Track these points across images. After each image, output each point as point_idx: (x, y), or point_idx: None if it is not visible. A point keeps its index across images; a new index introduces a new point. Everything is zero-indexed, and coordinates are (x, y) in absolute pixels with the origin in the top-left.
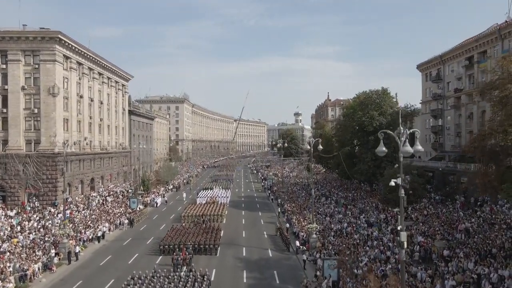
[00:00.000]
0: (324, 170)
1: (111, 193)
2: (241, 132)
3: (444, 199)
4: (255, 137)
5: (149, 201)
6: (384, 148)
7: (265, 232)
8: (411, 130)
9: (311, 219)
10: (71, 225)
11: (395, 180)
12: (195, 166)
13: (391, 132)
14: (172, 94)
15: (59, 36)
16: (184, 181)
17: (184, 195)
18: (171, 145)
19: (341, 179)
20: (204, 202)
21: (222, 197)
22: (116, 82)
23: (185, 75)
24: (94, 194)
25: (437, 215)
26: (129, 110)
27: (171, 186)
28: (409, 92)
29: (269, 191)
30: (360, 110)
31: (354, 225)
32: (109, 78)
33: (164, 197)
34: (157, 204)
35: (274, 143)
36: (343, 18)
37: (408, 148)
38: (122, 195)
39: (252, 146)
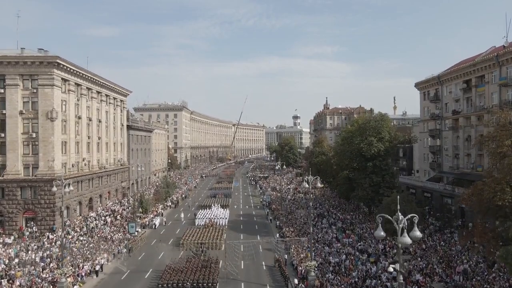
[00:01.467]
0: (323, 185)
1: (109, 212)
2: (239, 136)
3: (443, 227)
4: (253, 141)
5: (147, 222)
6: (382, 233)
7: (263, 263)
8: (409, 216)
9: (309, 257)
10: (69, 257)
11: (393, 265)
12: (194, 177)
13: (389, 217)
14: (170, 101)
15: (58, 60)
16: (183, 195)
17: (182, 215)
18: (169, 160)
19: (340, 199)
20: (202, 223)
21: (220, 218)
22: (114, 98)
23: (183, 75)
24: (92, 215)
25: (435, 248)
26: (127, 125)
27: (170, 203)
28: (407, 92)
29: (268, 209)
30: (359, 135)
31: (352, 257)
32: (107, 96)
33: (162, 215)
34: (155, 225)
35: (273, 157)
36: (341, 18)
37: (407, 239)
38: (120, 216)
39: (250, 150)
